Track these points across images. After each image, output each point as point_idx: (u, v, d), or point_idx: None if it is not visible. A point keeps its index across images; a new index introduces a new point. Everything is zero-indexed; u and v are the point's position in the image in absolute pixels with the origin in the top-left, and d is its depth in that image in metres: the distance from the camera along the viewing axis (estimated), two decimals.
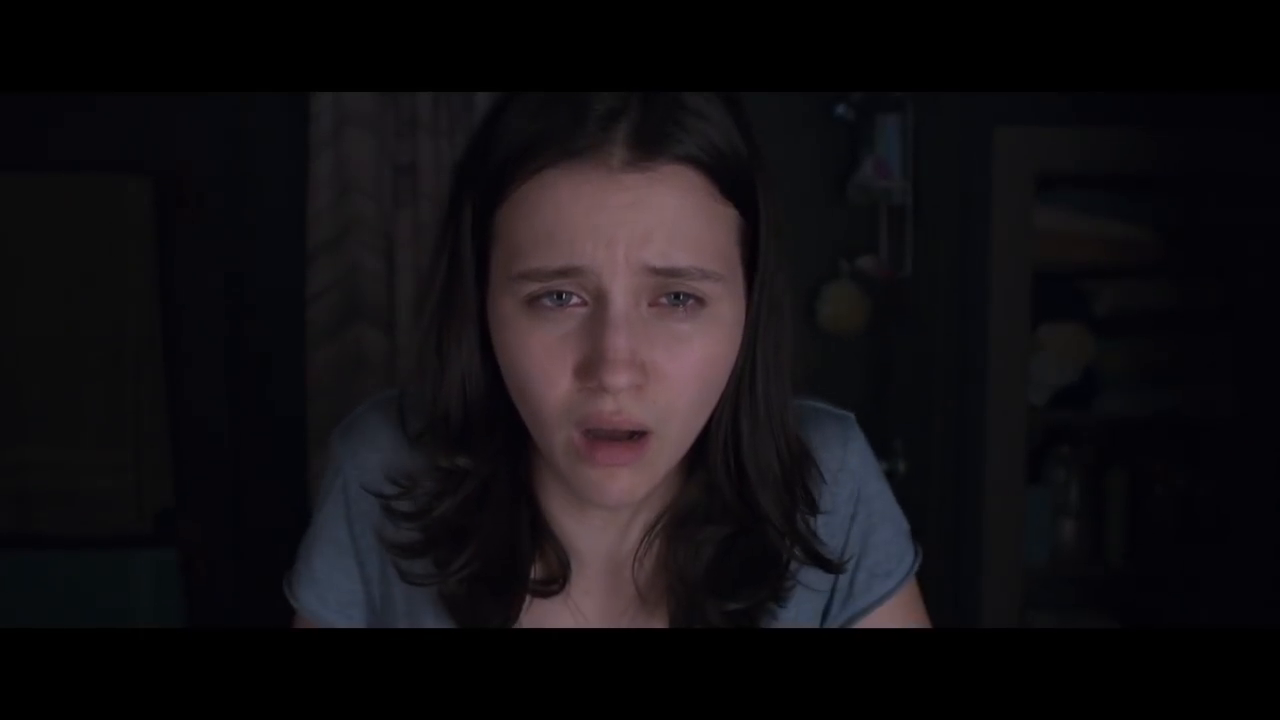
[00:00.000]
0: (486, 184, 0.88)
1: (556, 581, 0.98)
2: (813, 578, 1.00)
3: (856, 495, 1.04)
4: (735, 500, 0.96)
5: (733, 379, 0.92)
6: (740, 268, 0.90)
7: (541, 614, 0.98)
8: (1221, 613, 2.89)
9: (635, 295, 0.84)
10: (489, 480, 0.96)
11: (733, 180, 0.87)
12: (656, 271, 0.84)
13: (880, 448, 2.77)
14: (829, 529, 1.02)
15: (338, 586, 1.04)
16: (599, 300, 0.84)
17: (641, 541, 0.99)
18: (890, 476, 2.74)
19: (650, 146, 0.83)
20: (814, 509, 0.98)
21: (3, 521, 2.51)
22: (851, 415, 1.07)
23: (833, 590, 1.04)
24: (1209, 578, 2.88)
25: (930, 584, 2.91)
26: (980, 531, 2.65)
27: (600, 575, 1.01)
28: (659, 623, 0.99)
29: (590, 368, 0.84)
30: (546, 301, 0.85)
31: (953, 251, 2.63)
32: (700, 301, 0.86)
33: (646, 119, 0.83)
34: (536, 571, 0.98)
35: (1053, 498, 2.79)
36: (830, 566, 0.99)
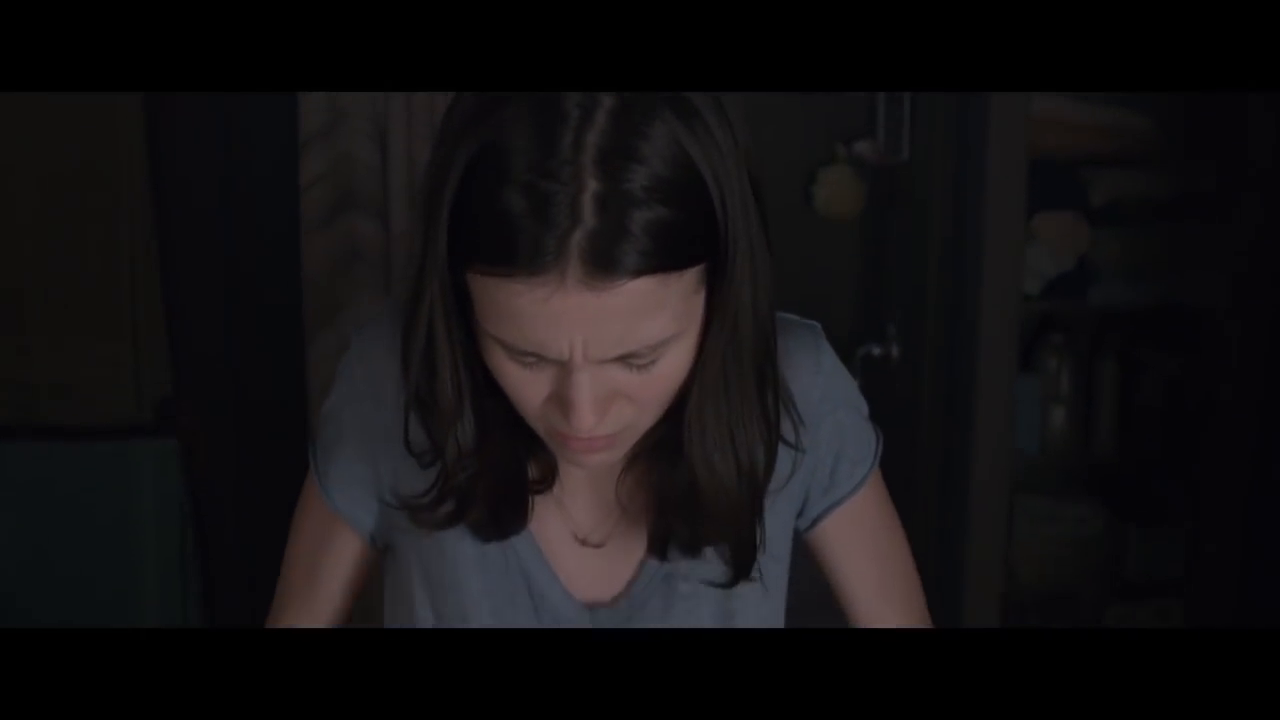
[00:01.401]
0: (452, 251, 0.90)
1: (547, 480, 1.00)
2: (788, 491, 1.03)
3: (832, 397, 1.07)
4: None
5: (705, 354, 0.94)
6: (704, 289, 0.92)
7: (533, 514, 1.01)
8: (1208, 503, 2.94)
9: (598, 366, 0.89)
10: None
11: (693, 247, 0.88)
12: (617, 358, 0.88)
13: (873, 333, 2.79)
14: (812, 438, 1.05)
15: (356, 477, 1.07)
16: (564, 371, 0.89)
17: (623, 461, 1.02)
18: (883, 362, 2.77)
19: (604, 268, 0.84)
20: (795, 441, 1.01)
21: (4, 413, 2.53)
22: (819, 324, 1.10)
23: (808, 489, 1.07)
24: (1198, 467, 2.92)
25: (921, 470, 2.97)
26: (971, 418, 2.68)
27: (585, 481, 1.03)
28: (640, 533, 1.02)
29: (561, 406, 0.90)
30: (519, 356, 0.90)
31: (950, 137, 2.61)
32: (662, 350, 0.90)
33: (600, 234, 0.84)
34: (530, 471, 1.01)
35: (1044, 386, 2.81)
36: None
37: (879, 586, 1.12)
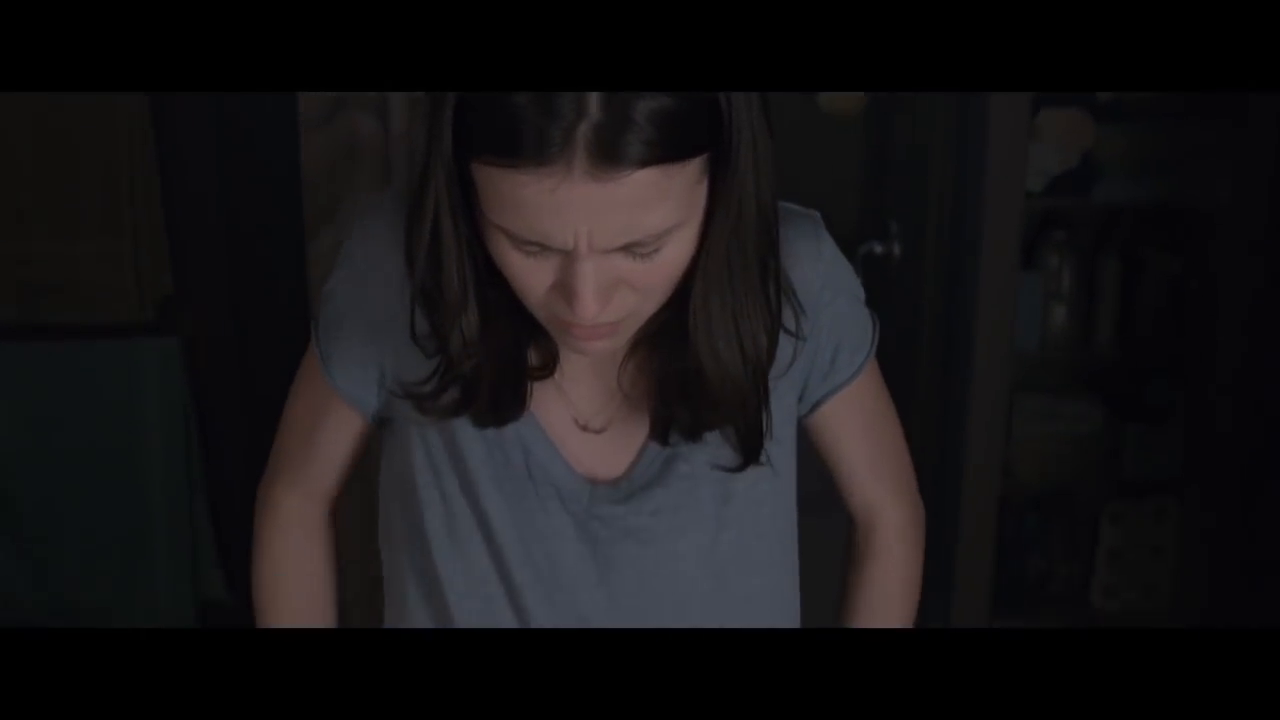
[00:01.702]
0: (457, 142, 0.90)
1: (548, 367, 1.01)
2: (789, 378, 1.04)
3: (833, 285, 1.08)
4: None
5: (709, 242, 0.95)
6: (707, 179, 0.92)
7: (533, 399, 1.02)
8: (1206, 402, 2.95)
9: (601, 255, 0.89)
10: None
11: (696, 137, 0.88)
12: (621, 247, 0.89)
13: (875, 231, 2.78)
14: (813, 325, 1.05)
15: (357, 357, 1.08)
16: (568, 260, 0.89)
17: (624, 348, 1.02)
18: (885, 260, 2.77)
19: (609, 158, 0.84)
20: (796, 330, 1.01)
21: (6, 313, 2.53)
22: (819, 213, 1.10)
23: (808, 375, 1.08)
24: (1197, 366, 2.93)
25: (921, 368, 2.99)
26: (972, 315, 2.68)
27: (587, 368, 1.04)
28: (641, 418, 1.03)
29: (564, 294, 0.90)
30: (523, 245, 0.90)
31: None
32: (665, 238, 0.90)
33: (605, 126, 0.84)
34: (531, 358, 1.02)
35: (1045, 283, 2.81)
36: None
37: (872, 465, 1.14)
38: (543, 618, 0.99)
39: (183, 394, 2.52)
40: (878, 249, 2.76)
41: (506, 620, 1.00)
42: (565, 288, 0.90)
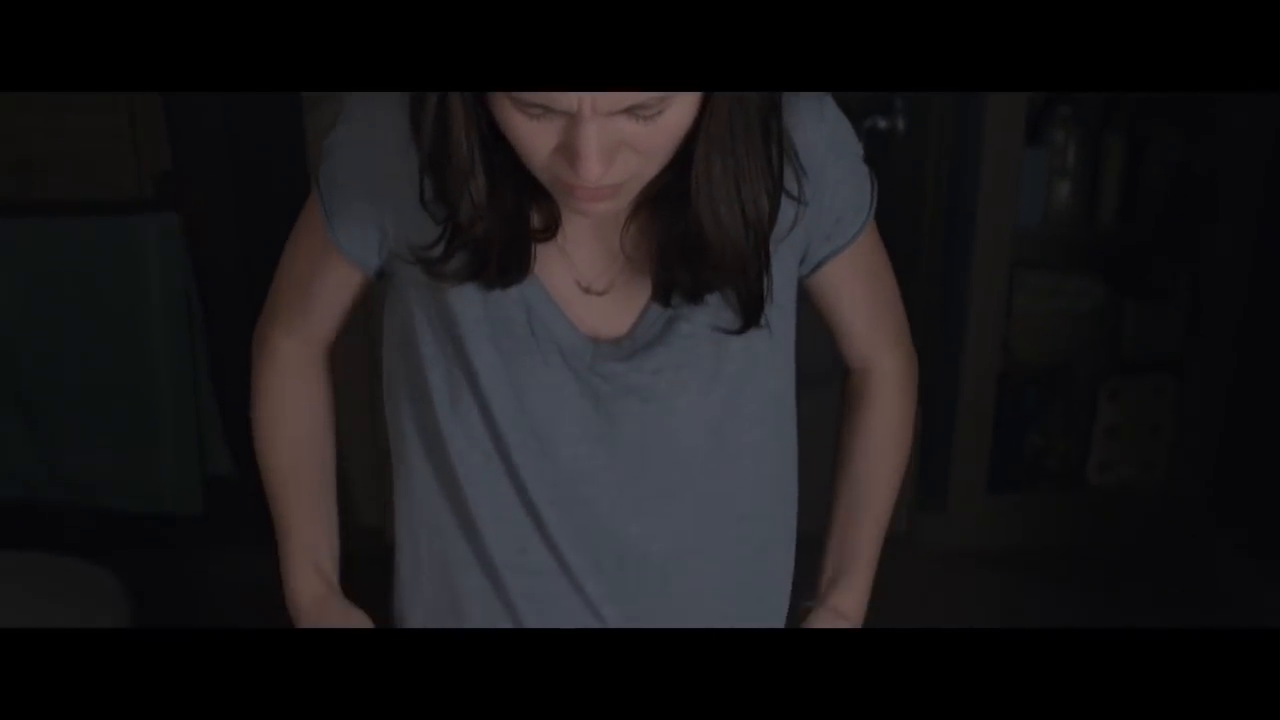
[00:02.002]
0: None
1: (550, 229, 1.01)
2: (790, 240, 1.04)
3: (835, 147, 1.08)
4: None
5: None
6: None
7: (536, 262, 1.02)
8: (1207, 280, 2.95)
9: (605, 117, 0.88)
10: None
11: None
12: (624, 110, 0.88)
13: (879, 105, 2.76)
14: (815, 188, 1.05)
15: (358, 214, 1.07)
16: (571, 122, 0.89)
17: (627, 210, 1.02)
18: (889, 134, 2.75)
19: None
20: (798, 194, 1.01)
21: (5, 187, 2.52)
22: None
23: (810, 237, 1.08)
24: (1199, 244, 2.93)
25: (924, 242, 2.97)
26: (975, 190, 2.67)
27: (589, 230, 1.04)
28: (643, 280, 1.03)
29: (567, 156, 0.90)
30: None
31: None
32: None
33: None
34: (534, 220, 1.01)
35: (1050, 159, 2.79)
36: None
37: (871, 319, 1.15)
38: (541, 475, 1.00)
39: (184, 270, 2.51)
40: (881, 124, 2.74)
41: (503, 479, 1.01)
42: (569, 150, 0.90)
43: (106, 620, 1.96)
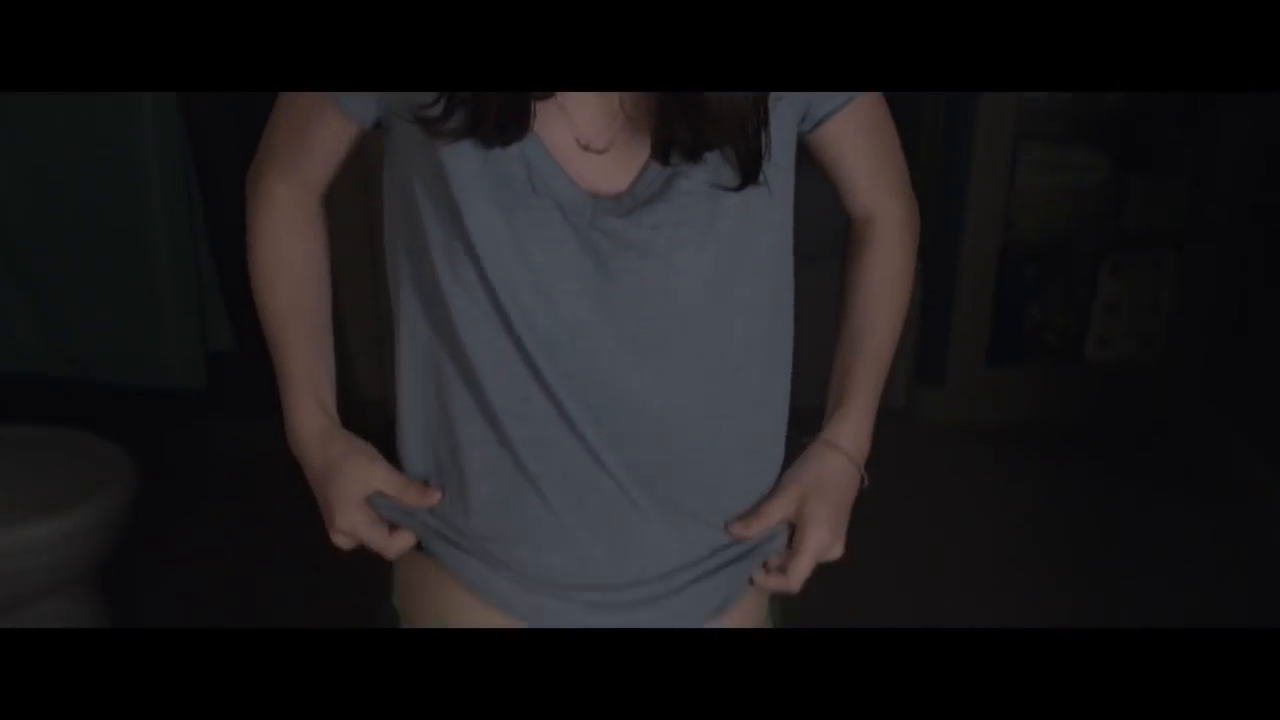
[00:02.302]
0: None
1: None
2: (791, 99, 1.03)
3: None
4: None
5: None
6: None
7: (536, 120, 1.01)
8: (1210, 154, 2.93)
9: None
10: None
11: None
12: None
13: None
14: None
15: None
16: None
17: None
18: None
19: None
20: None
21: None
22: None
23: (810, 96, 1.07)
24: (1203, 117, 2.90)
25: (926, 114, 2.94)
26: None
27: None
28: (642, 139, 1.02)
29: None
30: None
31: None
32: None
33: None
34: None
35: None
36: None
37: (872, 172, 1.14)
38: (540, 330, 1.00)
39: (182, 141, 2.49)
40: None
41: (502, 334, 1.01)
42: None
43: (111, 492, 1.99)
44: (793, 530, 1.07)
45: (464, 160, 1.00)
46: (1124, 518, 2.83)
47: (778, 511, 1.05)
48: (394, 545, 1.06)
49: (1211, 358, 3.11)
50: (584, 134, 1.02)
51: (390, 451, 1.11)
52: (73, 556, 1.97)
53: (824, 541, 1.04)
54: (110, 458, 2.08)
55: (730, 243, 1.02)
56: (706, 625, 1.05)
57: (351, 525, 1.06)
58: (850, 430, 1.11)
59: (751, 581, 1.06)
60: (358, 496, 1.06)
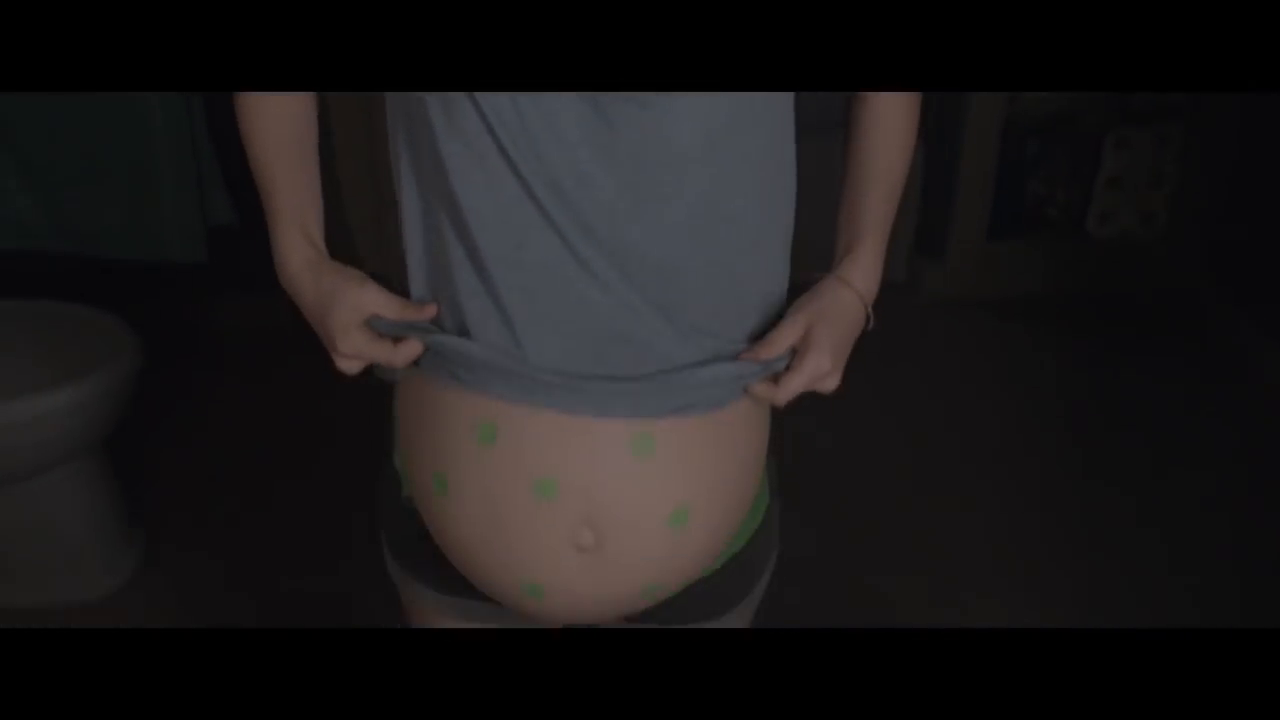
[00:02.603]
0: None
1: None
2: None
3: None
4: None
5: None
6: None
7: None
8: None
9: None
10: None
11: None
12: None
13: None
14: None
15: None
16: None
17: None
18: None
19: None
20: None
21: None
22: None
23: None
24: None
25: None
26: None
27: None
28: None
29: None
30: None
31: None
32: None
33: None
34: None
35: None
36: None
37: None
38: (539, 179, 0.98)
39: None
40: None
41: (497, 183, 1.00)
42: None
43: (117, 363, 2.00)
44: (793, 356, 1.06)
45: None
46: (1123, 391, 2.85)
47: (788, 336, 1.03)
48: (401, 353, 1.04)
49: (1213, 233, 3.10)
50: None
51: None
52: (78, 428, 1.99)
53: (823, 366, 1.03)
54: (113, 331, 2.09)
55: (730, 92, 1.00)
56: (700, 415, 1.03)
57: (354, 347, 1.05)
58: (861, 271, 1.10)
59: (746, 390, 1.05)
60: (356, 320, 1.05)
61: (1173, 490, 2.53)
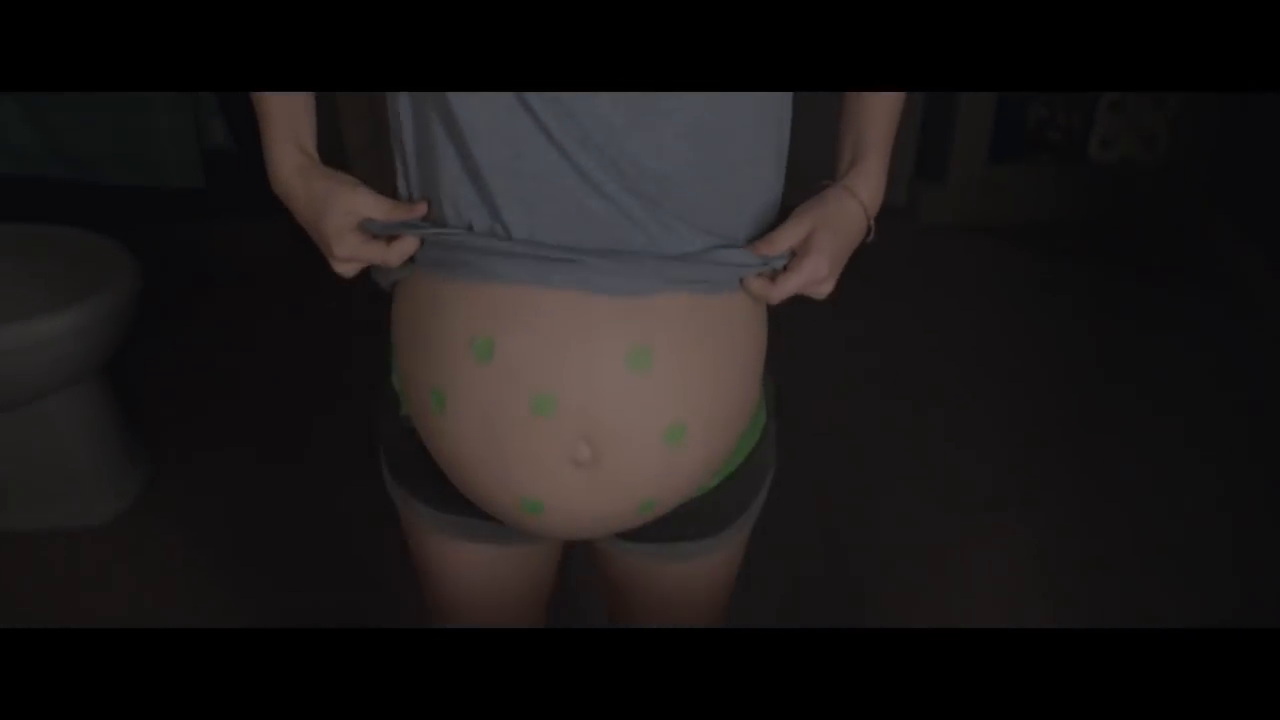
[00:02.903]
0: None
1: None
2: None
3: None
4: None
5: None
6: None
7: None
8: None
9: None
10: None
11: None
12: None
13: None
14: None
15: None
16: None
17: None
18: None
19: None
20: None
21: None
22: None
23: None
24: None
25: None
26: None
27: None
28: None
29: None
30: None
31: None
32: None
33: None
34: None
35: None
36: None
37: None
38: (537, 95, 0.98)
39: None
40: None
41: (492, 94, 1.00)
42: None
43: (118, 286, 2.00)
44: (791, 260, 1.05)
45: None
46: (1122, 315, 2.86)
47: (790, 237, 1.03)
48: (395, 251, 1.05)
49: (1213, 158, 3.09)
50: None
51: None
52: (80, 351, 2.00)
53: (820, 270, 1.03)
54: (112, 255, 2.09)
55: None
56: (700, 297, 1.04)
57: (349, 249, 1.05)
58: (867, 182, 1.10)
59: (742, 283, 1.05)
60: (349, 223, 1.05)
61: (1171, 414, 2.54)
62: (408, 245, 1.04)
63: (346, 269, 1.08)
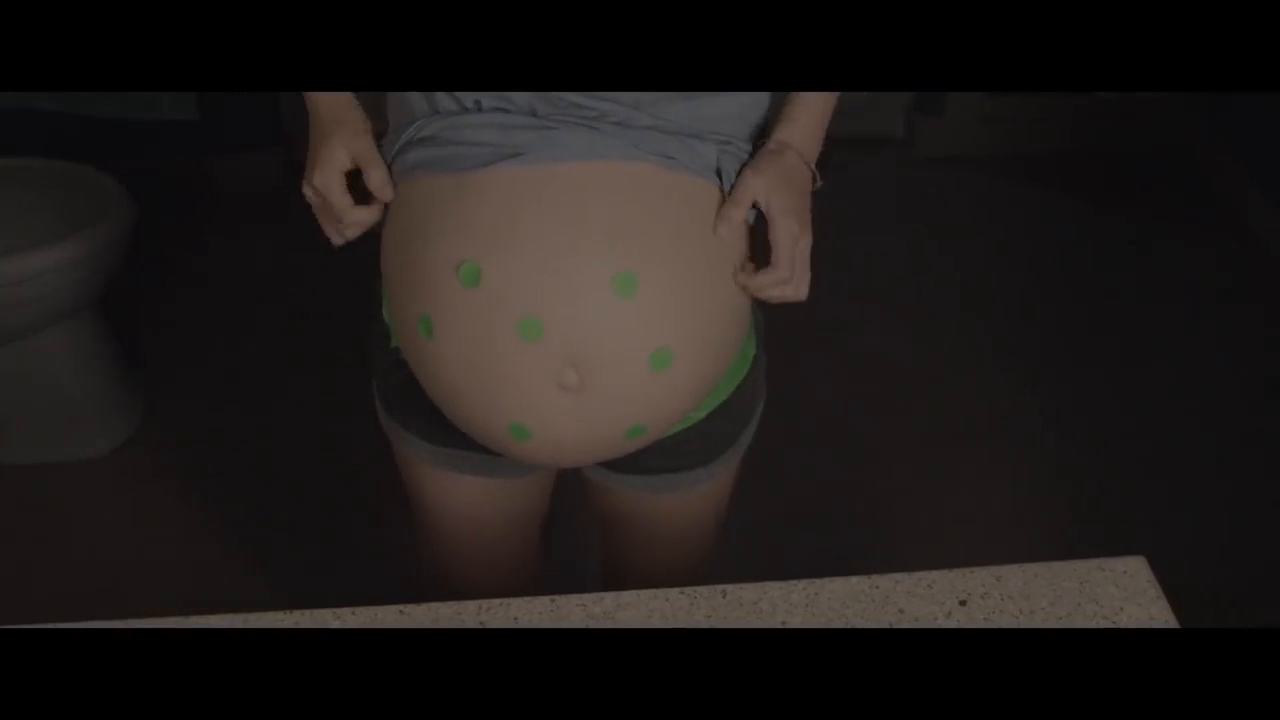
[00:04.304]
0: None
1: None
2: None
3: None
4: None
5: None
6: None
7: None
8: None
9: None
10: None
11: None
12: None
13: None
14: None
15: None
16: None
17: None
18: None
19: None
20: None
21: None
22: None
23: None
24: None
25: None
26: None
27: None
28: None
29: None
30: None
31: None
32: None
33: None
34: None
35: None
36: None
37: None
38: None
39: None
40: None
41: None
42: None
43: (114, 218, 2.00)
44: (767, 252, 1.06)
45: None
46: (1121, 246, 2.85)
47: (744, 196, 1.03)
48: (351, 216, 1.07)
49: (1210, 93, 3.06)
50: None
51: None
52: (77, 284, 2.00)
53: (793, 230, 1.03)
54: (107, 188, 2.09)
55: None
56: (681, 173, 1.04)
57: (325, 184, 1.06)
58: (797, 131, 1.08)
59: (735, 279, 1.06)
60: (341, 164, 1.06)
61: (1169, 348, 2.55)
62: (369, 214, 1.07)
63: (311, 196, 1.09)
